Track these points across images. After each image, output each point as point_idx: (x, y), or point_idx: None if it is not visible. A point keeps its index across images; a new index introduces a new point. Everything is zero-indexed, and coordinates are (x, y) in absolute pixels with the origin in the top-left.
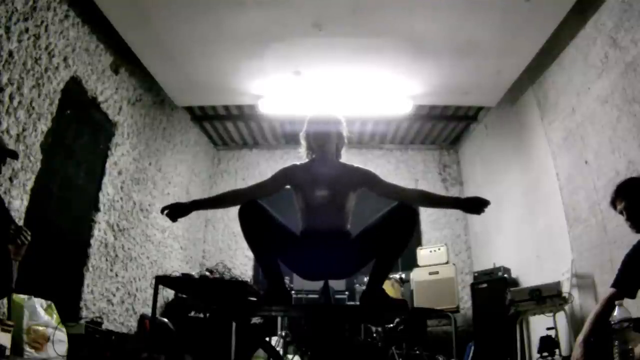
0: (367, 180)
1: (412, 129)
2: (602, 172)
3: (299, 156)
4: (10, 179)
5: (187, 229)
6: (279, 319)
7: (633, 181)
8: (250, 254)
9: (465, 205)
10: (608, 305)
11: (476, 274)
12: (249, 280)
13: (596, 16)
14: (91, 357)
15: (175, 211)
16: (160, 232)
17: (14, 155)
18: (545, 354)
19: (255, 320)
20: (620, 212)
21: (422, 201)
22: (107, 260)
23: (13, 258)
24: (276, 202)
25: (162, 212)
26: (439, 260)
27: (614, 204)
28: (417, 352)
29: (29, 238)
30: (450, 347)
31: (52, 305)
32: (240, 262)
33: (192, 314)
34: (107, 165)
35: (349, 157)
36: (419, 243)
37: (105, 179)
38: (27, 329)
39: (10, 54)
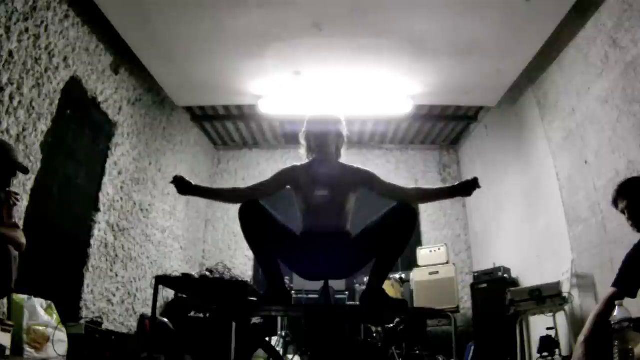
0: (367, 181)
1: (412, 129)
2: (602, 172)
3: (299, 156)
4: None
5: (187, 229)
6: (279, 319)
7: (635, 181)
8: (250, 254)
9: (463, 190)
10: (609, 305)
11: (476, 274)
12: (249, 280)
13: (596, 16)
14: (91, 357)
15: (181, 185)
16: (160, 232)
17: (25, 170)
18: (545, 354)
19: (255, 320)
20: (622, 212)
21: (421, 198)
22: (107, 260)
23: (6, 222)
24: (276, 202)
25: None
26: (439, 260)
27: (615, 203)
28: (417, 352)
29: (19, 198)
30: (450, 347)
31: (52, 305)
32: (240, 262)
33: (192, 314)
34: (107, 165)
35: (349, 157)
36: (419, 243)
37: (105, 179)
38: (27, 329)
39: (10, 54)
